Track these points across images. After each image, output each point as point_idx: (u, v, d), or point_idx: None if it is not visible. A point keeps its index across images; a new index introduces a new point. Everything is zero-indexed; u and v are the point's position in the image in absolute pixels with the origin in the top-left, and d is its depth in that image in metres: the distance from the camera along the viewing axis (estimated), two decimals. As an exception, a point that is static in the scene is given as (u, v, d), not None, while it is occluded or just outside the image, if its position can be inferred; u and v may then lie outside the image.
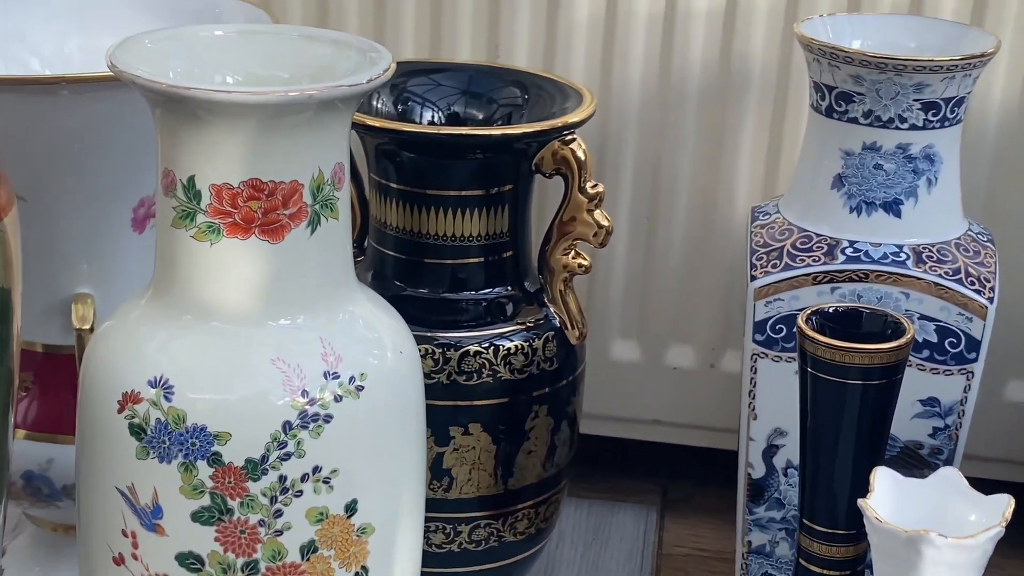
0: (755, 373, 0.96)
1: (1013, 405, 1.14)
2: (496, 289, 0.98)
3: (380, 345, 0.73)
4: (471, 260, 0.97)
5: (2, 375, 0.71)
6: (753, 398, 0.97)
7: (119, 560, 0.71)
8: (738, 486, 1.01)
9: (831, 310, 0.86)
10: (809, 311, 0.85)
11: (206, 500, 0.68)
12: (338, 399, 0.70)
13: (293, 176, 0.68)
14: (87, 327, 0.88)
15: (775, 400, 0.96)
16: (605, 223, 0.96)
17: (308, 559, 0.70)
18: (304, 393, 0.69)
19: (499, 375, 0.96)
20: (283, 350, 0.69)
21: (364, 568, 0.72)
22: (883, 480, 0.74)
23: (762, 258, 0.96)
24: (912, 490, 0.75)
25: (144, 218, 0.92)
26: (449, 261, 0.97)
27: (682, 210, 1.16)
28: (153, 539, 0.69)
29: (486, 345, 0.95)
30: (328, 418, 0.69)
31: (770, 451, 0.97)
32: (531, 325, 0.98)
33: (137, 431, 0.69)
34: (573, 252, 0.97)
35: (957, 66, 0.90)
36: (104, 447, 0.71)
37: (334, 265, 0.72)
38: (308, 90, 0.66)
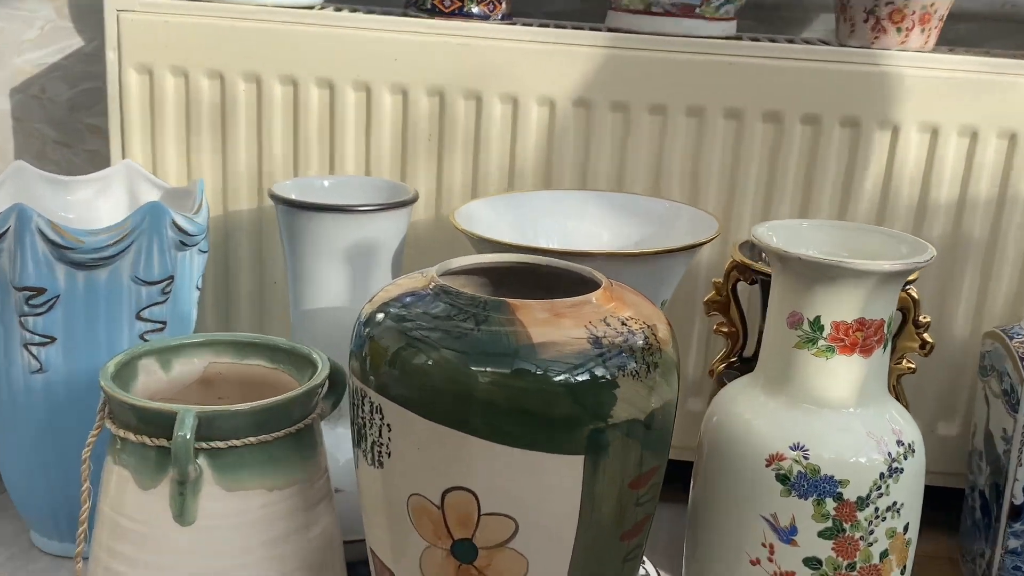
0: (1025, 436, 0.84)
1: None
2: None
3: (911, 423, 0.64)
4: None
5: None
6: (1021, 453, 0.81)
7: (755, 562, 0.62)
8: (1002, 511, 0.81)
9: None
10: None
11: (829, 523, 0.60)
12: (904, 457, 0.61)
13: (881, 316, 0.60)
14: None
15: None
16: (930, 341, 0.84)
17: (882, 562, 0.62)
18: (889, 455, 0.60)
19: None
20: (871, 426, 0.61)
21: (904, 567, 0.63)
22: None
23: (1028, 358, 0.84)
24: None
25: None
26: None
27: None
28: (787, 549, 0.61)
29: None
30: (900, 470, 0.61)
31: (1027, 488, 0.85)
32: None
33: (783, 479, 0.60)
34: (904, 361, 0.86)
35: None
36: (750, 488, 0.61)
37: (884, 370, 0.64)
38: (908, 263, 0.59)
